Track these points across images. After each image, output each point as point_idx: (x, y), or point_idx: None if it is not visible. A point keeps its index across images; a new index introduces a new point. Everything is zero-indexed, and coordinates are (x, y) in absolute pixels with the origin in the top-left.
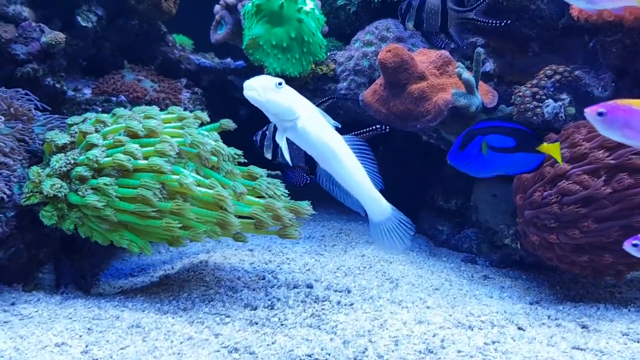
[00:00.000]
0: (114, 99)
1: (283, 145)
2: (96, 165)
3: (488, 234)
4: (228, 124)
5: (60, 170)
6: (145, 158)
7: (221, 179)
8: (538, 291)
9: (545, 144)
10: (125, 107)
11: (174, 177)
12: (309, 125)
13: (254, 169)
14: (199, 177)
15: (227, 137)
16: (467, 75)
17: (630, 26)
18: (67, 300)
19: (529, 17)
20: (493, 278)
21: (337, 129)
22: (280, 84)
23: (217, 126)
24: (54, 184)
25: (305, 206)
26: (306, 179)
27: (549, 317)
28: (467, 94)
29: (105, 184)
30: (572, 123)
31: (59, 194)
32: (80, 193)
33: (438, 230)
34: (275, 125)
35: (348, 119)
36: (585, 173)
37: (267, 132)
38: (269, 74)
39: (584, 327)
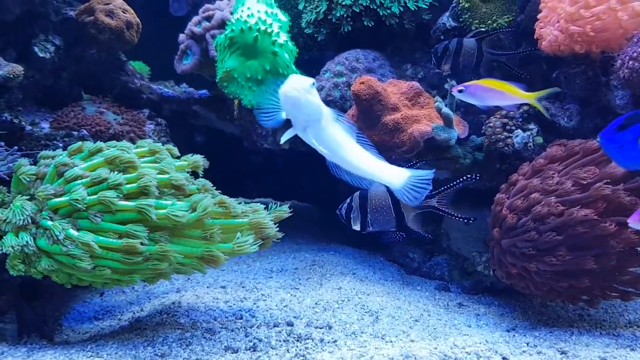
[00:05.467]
0: (75, 133)
1: (312, 142)
2: (82, 206)
3: (459, 260)
4: (199, 161)
5: (25, 220)
6: (128, 195)
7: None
8: (512, 317)
9: None
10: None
11: (161, 212)
12: (329, 122)
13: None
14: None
15: None
16: (447, 110)
17: (595, 59)
18: (34, 352)
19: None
20: (467, 305)
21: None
22: (313, 84)
23: (184, 165)
24: (15, 244)
25: (285, 208)
26: (402, 236)
27: (527, 344)
28: (446, 128)
29: (86, 242)
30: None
31: (27, 250)
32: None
33: (409, 258)
34: (360, 195)
35: None
36: (559, 203)
37: (352, 204)
38: (244, 106)
39: (562, 352)
